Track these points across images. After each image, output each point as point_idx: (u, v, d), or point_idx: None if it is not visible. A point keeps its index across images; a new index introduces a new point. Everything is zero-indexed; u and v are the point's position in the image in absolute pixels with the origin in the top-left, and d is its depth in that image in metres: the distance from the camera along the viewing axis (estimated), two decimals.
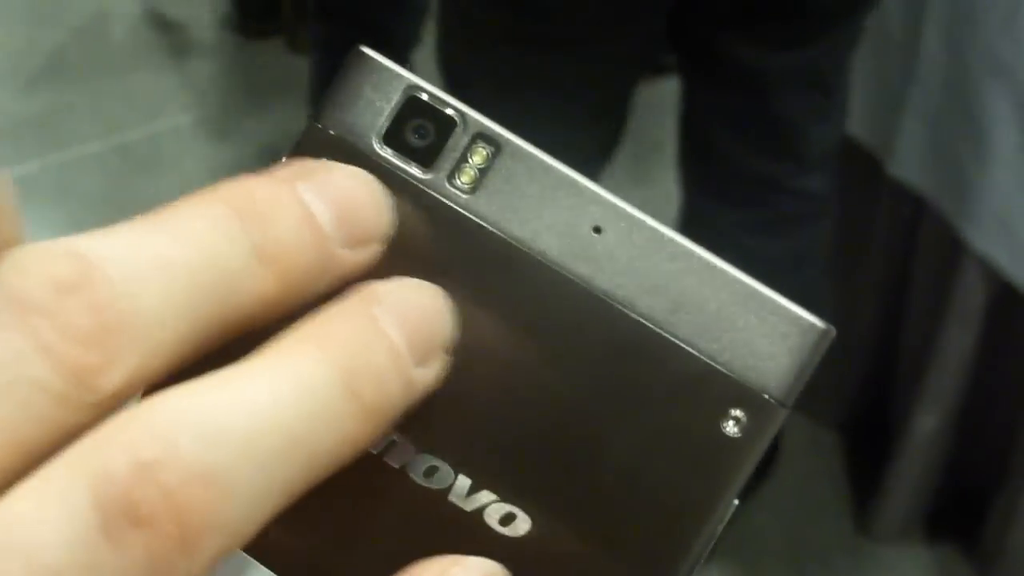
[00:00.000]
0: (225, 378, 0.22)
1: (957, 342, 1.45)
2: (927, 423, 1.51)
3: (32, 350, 0.21)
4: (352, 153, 0.27)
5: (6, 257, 0.22)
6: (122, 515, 0.20)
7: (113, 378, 0.21)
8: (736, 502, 0.27)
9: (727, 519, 0.27)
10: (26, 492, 0.20)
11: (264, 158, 1.96)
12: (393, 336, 0.24)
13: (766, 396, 0.26)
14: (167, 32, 2.25)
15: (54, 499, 0.20)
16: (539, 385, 0.27)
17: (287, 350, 0.23)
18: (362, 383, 0.23)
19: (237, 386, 0.22)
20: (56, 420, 0.21)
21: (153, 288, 0.22)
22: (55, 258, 0.22)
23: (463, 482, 0.27)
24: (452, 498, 0.27)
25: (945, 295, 1.44)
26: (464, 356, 0.26)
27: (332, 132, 0.28)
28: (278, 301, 0.24)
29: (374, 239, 0.26)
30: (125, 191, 1.96)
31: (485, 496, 0.27)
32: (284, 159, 0.27)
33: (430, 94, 0.28)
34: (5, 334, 0.21)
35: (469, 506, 0.27)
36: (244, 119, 2.10)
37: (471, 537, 0.27)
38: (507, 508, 0.27)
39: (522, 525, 0.27)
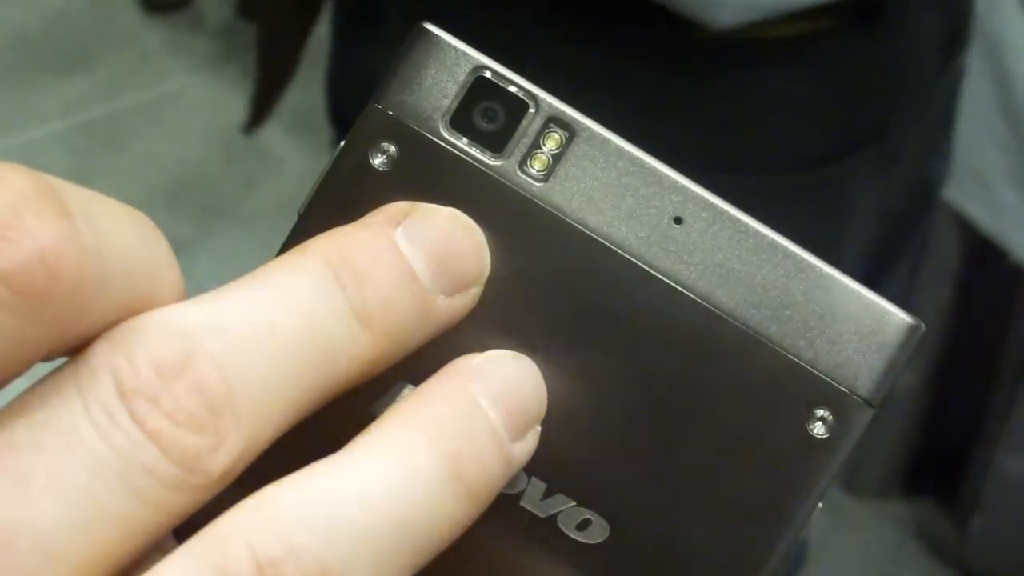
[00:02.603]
0: (334, 466, 0.22)
1: (932, 298, 1.45)
2: (905, 380, 1.51)
3: (142, 437, 0.21)
4: (416, 138, 0.26)
5: (112, 339, 0.21)
6: None
7: (222, 460, 0.21)
8: (820, 505, 0.26)
9: (809, 524, 0.26)
10: None
11: (229, 133, 1.94)
12: (492, 416, 0.24)
13: (854, 395, 0.25)
14: (126, 10, 2.21)
15: None
16: (616, 383, 0.26)
17: (391, 436, 0.23)
18: (466, 467, 0.23)
19: (348, 476, 0.22)
20: (167, 505, 0.21)
21: (258, 361, 0.22)
22: (159, 339, 0.21)
23: (537, 486, 0.26)
24: (525, 503, 0.26)
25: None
26: (538, 351, 0.25)
27: (395, 115, 0.26)
28: (378, 361, 0.24)
29: (473, 284, 0.25)
30: (89, 168, 1.93)
31: (560, 501, 0.26)
32: (342, 145, 0.26)
33: (500, 75, 0.27)
34: (115, 421, 0.21)
35: (543, 512, 0.26)
36: (208, 94, 2.08)
37: (545, 544, 0.26)
38: (583, 514, 0.26)
39: (598, 531, 0.26)
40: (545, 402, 0.25)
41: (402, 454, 0.22)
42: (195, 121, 2.04)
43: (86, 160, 1.96)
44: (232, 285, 0.23)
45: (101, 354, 0.21)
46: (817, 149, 0.77)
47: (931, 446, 1.61)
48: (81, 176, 1.93)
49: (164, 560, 0.21)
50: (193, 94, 2.09)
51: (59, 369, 0.22)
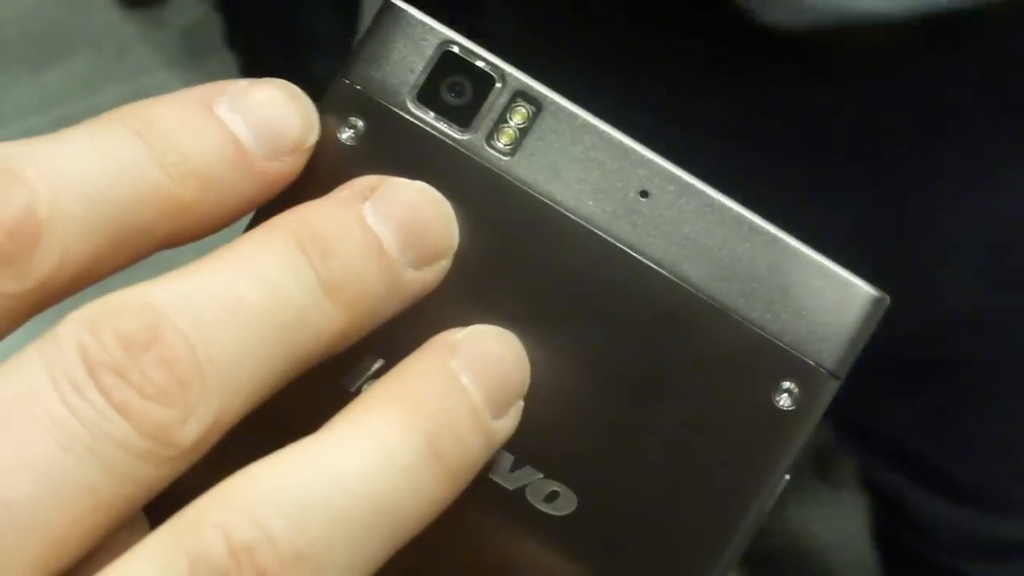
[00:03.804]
0: (310, 449, 0.22)
1: None
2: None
3: (110, 410, 0.21)
4: (383, 112, 0.26)
5: (79, 314, 0.22)
6: None
7: (192, 431, 0.21)
8: (787, 477, 0.26)
9: (778, 494, 0.26)
10: (126, 567, 0.21)
11: None
12: (473, 393, 0.24)
13: (819, 367, 0.26)
14: (103, 5, 2.20)
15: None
16: (583, 356, 0.26)
17: (369, 416, 0.23)
18: (445, 445, 0.23)
19: (324, 458, 0.22)
20: (138, 477, 0.21)
21: (225, 334, 0.22)
22: (124, 314, 0.22)
23: (505, 458, 0.26)
24: (493, 475, 0.26)
25: None
26: (506, 324, 0.25)
27: (362, 89, 0.26)
28: (347, 333, 0.24)
29: (442, 256, 0.25)
30: None
31: (528, 473, 0.26)
32: None
33: (467, 49, 0.27)
34: (82, 395, 0.21)
35: (511, 484, 0.26)
36: (184, 87, 2.07)
37: (513, 516, 0.26)
38: (551, 486, 0.26)
39: (566, 503, 0.26)
40: (528, 378, 0.25)
41: (379, 434, 0.22)
42: None
43: None
44: (198, 262, 0.23)
45: (67, 330, 0.21)
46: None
47: None
48: None
49: (137, 545, 0.21)
50: (171, 89, 2.08)
51: (25, 347, 0.22)
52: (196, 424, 0.21)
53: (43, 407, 0.21)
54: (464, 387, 0.24)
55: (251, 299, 0.22)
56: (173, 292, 0.22)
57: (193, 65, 2.11)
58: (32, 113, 2.02)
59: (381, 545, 0.22)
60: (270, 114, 0.25)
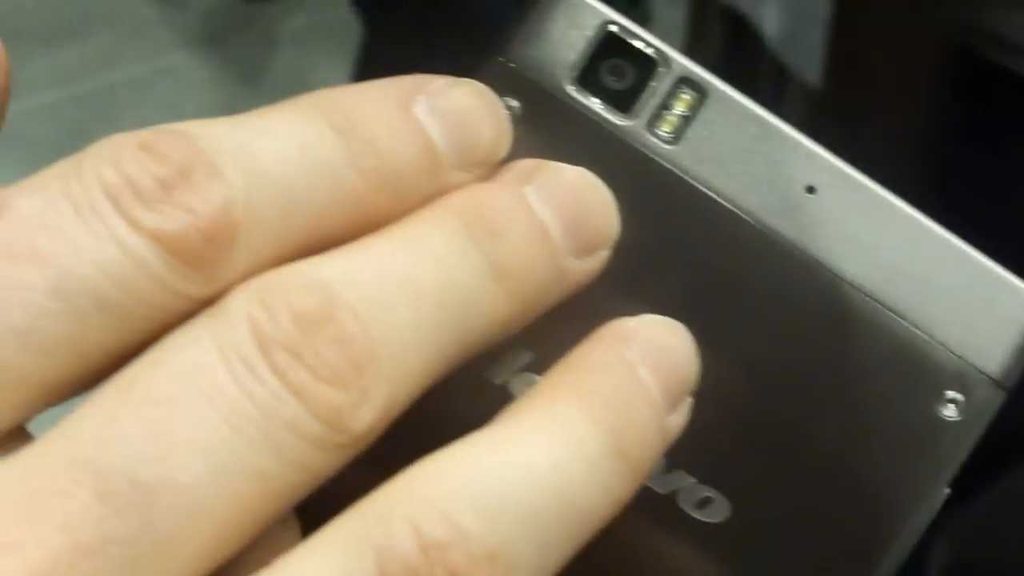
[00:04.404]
0: (497, 440, 0.21)
1: None
2: None
3: (284, 391, 0.20)
4: (540, 93, 0.25)
5: (249, 290, 0.20)
6: None
7: (365, 417, 0.20)
8: (947, 491, 0.25)
9: (937, 508, 0.25)
10: (310, 556, 0.20)
11: (223, 108, 1.92)
12: (651, 387, 0.23)
13: (987, 377, 0.25)
14: None
15: (340, 568, 0.19)
16: (738, 355, 0.25)
17: (554, 409, 0.22)
18: (628, 442, 0.22)
19: (513, 451, 0.21)
20: (308, 464, 0.20)
21: (399, 315, 0.21)
22: (297, 290, 0.20)
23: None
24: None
25: None
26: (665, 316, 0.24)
27: (518, 69, 0.25)
28: (512, 320, 0.22)
29: (604, 245, 0.24)
30: (79, 140, 1.91)
31: (681, 478, 0.25)
32: None
33: (630, 31, 0.25)
34: (255, 373, 0.20)
35: (663, 488, 0.25)
36: (202, 71, 2.06)
37: (663, 521, 0.25)
38: (704, 491, 0.25)
39: (720, 511, 0.25)
40: (698, 372, 0.24)
41: (565, 427, 0.21)
42: (188, 97, 2.03)
43: (76, 132, 1.94)
44: (367, 239, 0.22)
45: (239, 304, 0.20)
46: None
47: None
48: (71, 149, 1.90)
49: (316, 536, 0.20)
50: (187, 70, 2.07)
51: (194, 320, 0.20)
52: (369, 410, 0.20)
53: (213, 384, 0.20)
54: (642, 380, 0.23)
55: (424, 279, 0.21)
56: (345, 269, 0.21)
57: (211, 47, 2.10)
58: (46, 88, 2.01)
59: (568, 546, 0.21)
60: (467, 120, 0.23)
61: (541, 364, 0.24)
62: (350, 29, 1.60)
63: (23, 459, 0.19)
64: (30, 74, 2.02)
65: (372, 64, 1.32)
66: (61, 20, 2.12)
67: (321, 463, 0.20)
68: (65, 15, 2.13)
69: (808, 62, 0.95)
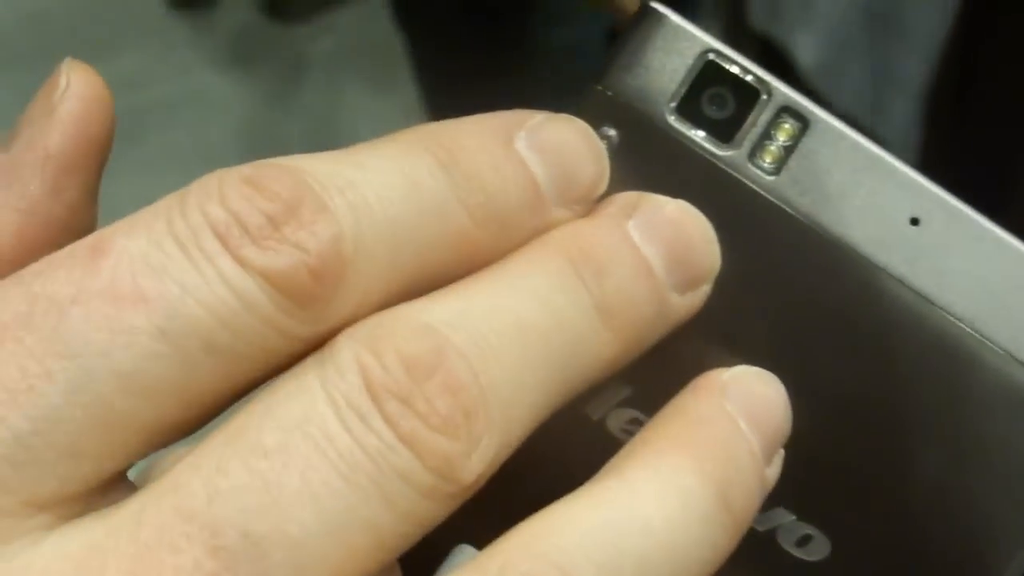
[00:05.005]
0: (608, 494, 0.21)
1: None
2: None
3: (396, 440, 0.19)
4: (640, 122, 0.25)
5: (358, 335, 0.20)
6: None
7: (476, 466, 0.20)
8: None
9: None
10: None
11: (251, 130, 1.93)
12: (752, 439, 0.23)
13: None
14: (150, 3, 2.20)
15: None
16: (840, 390, 0.24)
17: (662, 461, 0.21)
18: (734, 495, 0.22)
19: (626, 505, 0.21)
20: (418, 514, 0.19)
21: (508, 360, 0.20)
22: (406, 335, 0.20)
23: None
24: None
25: None
26: (763, 355, 0.24)
27: (617, 97, 0.25)
28: (618, 359, 0.22)
29: (706, 280, 0.24)
30: (109, 160, 1.92)
31: (780, 515, 0.24)
32: None
33: (731, 60, 0.25)
34: (366, 422, 0.19)
35: (762, 525, 0.24)
36: (231, 92, 2.07)
37: (763, 558, 0.24)
38: (804, 529, 0.24)
39: (820, 548, 0.24)
40: (790, 423, 0.24)
41: (675, 480, 0.21)
42: (217, 118, 2.03)
43: None
44: (473, 280, 0.21)
45: (346, 350, 0.20)
46: None
47: None
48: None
49: None
50: (216, 91, 2.08)
51: (302, 365, 0.20)
52: (479, 459, 0.20)
53: (324, 434, 0.19)
54: (744, 432, 0.22)
55: (531, 321, 0.21)
56: (454, 313, 0.20)
57: (240, 68, 2.11)
58: None
59: None
60: (567, 156, 0.23)
61: (639, 399, 0.24)
62: (380, 51, 1.61)
63: (130, 511, 0.19)
64: None
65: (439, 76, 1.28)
66: (88, 40, 2.13)
67: (430, 513, 0.20)
68: (93, 35, 2.14)
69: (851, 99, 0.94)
